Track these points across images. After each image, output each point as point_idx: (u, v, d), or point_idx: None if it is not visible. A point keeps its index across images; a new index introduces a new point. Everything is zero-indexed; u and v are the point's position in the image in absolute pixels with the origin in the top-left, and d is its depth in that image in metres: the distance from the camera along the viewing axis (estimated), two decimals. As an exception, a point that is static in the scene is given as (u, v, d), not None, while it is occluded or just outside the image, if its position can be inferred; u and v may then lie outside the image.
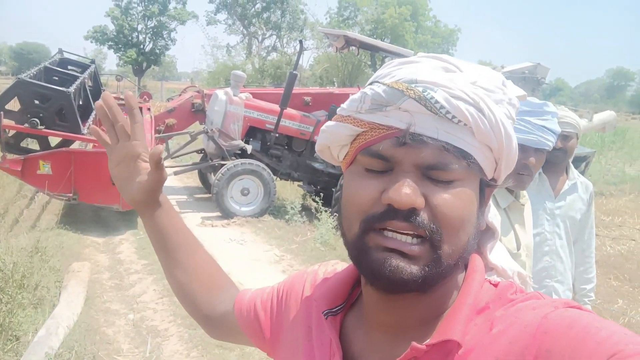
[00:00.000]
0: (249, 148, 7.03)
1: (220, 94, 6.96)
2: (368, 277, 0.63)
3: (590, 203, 2.29)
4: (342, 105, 0.66)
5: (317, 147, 0.73)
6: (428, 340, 0.60)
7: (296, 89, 7.52)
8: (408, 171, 0.59)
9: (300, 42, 6.89)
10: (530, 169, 1.71)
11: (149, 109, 7.45)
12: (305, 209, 7.19)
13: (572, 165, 2.32)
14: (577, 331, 0.52)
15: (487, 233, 0.72)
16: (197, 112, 7.70)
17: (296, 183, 7.93)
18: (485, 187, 0.65)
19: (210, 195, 7.41)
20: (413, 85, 0.59)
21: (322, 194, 6.73)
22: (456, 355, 0.58)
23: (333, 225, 6.12)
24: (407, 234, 0.59)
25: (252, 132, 7.30)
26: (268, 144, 7.31)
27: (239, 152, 7.17)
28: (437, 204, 0.58)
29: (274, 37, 38.15)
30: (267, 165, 6.99)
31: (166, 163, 7.57)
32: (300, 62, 7.26)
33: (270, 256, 5.64)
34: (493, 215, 0.73)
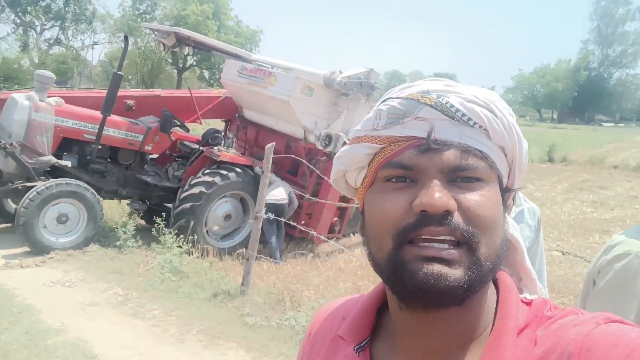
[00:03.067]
0: (67, 164, 5.75)
1: (21, 98, 5.51)
2: (409, 293, 0.58)
3: (538, 229, 2.20)
4: (356, 127, 0.65)
5: (332, 177, 0.72)
6: None
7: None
8: (434, 177, 0.58)
9: (126, 37, 5.87)
10: None
11: None
12: (137, 230, 6.17)
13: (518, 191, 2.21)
14: (622, 348, 0.51)
15: (509, 246, 0.71)
16: (-16, 123, 6.02)
17: (124, 201, 6.83)
18: (503, 192, 0.64)
19: (9, 225, 5.90)
20: (427, 94, 0.61)
21: (163, 213, 5.86)
22: None
23: (185, 249, 5.35)
24: (443, 241, 0.57)
25: (66, 144, 5.99)
26: (88, 157, 6.10)
27: (49, 169, 5.83)
28: (469, 205, 0.58)
29: (57, 28, 33.55)
30: (87, 183, 5.81)
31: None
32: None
33: (111, 297, 4.64)
34: (515, 229, 0.72)
